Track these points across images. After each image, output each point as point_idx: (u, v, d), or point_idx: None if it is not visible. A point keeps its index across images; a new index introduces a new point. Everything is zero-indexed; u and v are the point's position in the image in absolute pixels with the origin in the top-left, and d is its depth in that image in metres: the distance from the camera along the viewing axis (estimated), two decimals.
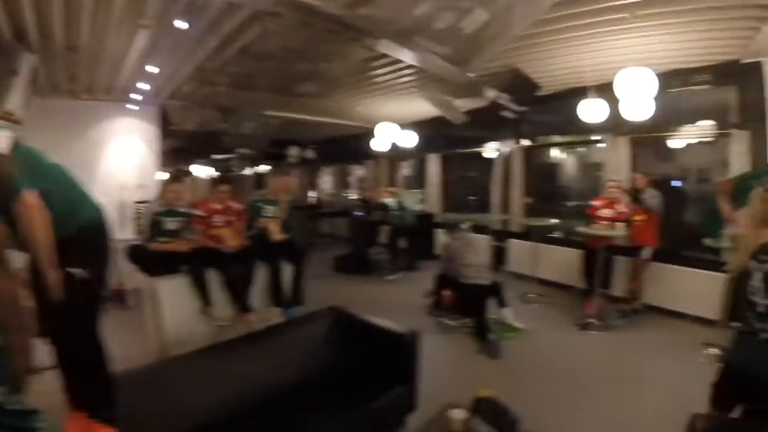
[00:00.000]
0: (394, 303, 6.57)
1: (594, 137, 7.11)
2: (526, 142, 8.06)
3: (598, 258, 5.47)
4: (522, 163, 8.01)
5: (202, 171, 13.73)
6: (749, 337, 2.19)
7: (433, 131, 9.53)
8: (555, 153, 9.27)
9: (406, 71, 6.25)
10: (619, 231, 5.50)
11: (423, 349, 3.87)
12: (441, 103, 7.08)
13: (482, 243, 5.90)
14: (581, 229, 5.73)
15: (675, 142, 6.89)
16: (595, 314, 5.57)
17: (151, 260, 4.40)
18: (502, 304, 5.45)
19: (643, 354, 4.85)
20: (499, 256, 8.16)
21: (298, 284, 5.15)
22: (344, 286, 7.65)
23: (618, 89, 4.48)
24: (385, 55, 5.38)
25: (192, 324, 4.25)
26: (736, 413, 2.30)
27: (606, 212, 5.73)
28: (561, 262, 7.09)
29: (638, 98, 4.62)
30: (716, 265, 5.39)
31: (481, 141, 8.66)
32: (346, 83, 7.01)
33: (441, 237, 8.51)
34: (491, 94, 6.20)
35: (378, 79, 6.80)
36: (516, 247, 7.94)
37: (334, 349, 3.41)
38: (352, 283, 7.81)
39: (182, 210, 4.69)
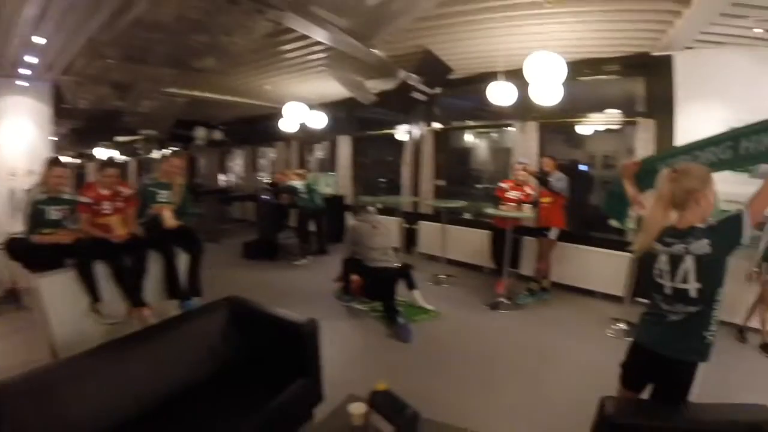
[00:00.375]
0: (304, 289, 6.31)
1: (504, 122, 7.15)
2: (437, 126, 8.01)
3: (506, 239, 5.47)
4: (433, 146, 7.94)
5: (105, 155, 12.45)
6: (656, 319, 2.16)
7: (344, 113, 9.31)
8: (468, 138, 9.40)
9: (315, 48, 5.96)
10: (527, 212, 5.55)
11: (333, 336, 3.71)
12: (351, 83, 6.81)
13: (390, 225, 5.73)
14: (489, 210, 5.73)
15: (583, 129, 7.12)
16: (504, 294, 5.63)
17: (32, 254, 3.87)
18: (411, 286, 5.34)
19: (553, 332, 4.94)
20: (409, 238, 8.10)
21: (195, 274, 4.74)
22: (252, 273, 7.25)
23: (528, 73, 4.43)
24: (290, 30, 5.05)
25: (81, 323, 3.76)
26: (645, 393, 2.29)
27: (514, 194, 5.76)
28: (471, 243, 7.12)
29: (547, 83, 4.60)
30: (621, 245, 5.66)
31: (393, 123, 8.50)
32: (251, 59, 6.57)
33: (349, 220, 8.39)
34: (402, 75, 6.01)
35: (286, 56, 6.45)
36: (426, 228, 7.88)
37: (232, 342, 3.13)
38: (260, 270, 7.42)
39: (66, 197, 4.13)
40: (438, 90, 7.07)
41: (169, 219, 4.49)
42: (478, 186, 8.80)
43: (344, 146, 9.38)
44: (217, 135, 12.30)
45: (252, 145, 12.61)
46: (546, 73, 4.37)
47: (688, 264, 1.99)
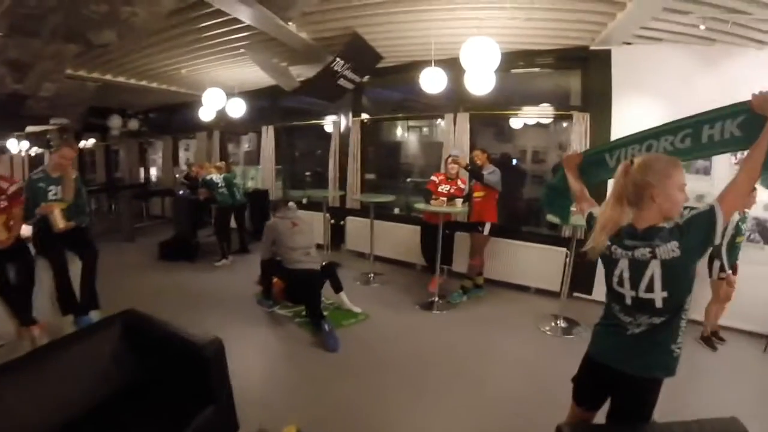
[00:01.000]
0: (222, 293, 5.73)
1: (436, 113, 6.82)
2: (365, 117, 7.55)
3: (437, 235, 5.15)
4: (360, 138, 7.46)
5: (16, 146, 10.98)
6: (614, 330, 1.87)
7: (268, 101, 8.69)
8: (400, 131, 9.10)
9: (233, 28, 5.35)
10: (458, 207, 5.22)
11: (252, 347, 3.61)
12: (272, 67, 6.30)
13: (311, 222, 5.22)
14: (419, 205, 5.35)
15: (515, 123, 6.88)
16: (437, 293, 5.31)
17: None
18: (337, 288, 4.94)
19: (489, 331, 4.69)
20: (337, 235, 7.64)
21: (90, 284, 4.13)
22: (167, 276, 6.55)
23: (464, 59, 4.07)
24: (202, 4, 4.47)
25: None
26: (600, 412, 2.04)
27: (445, 188, 5.44)
28: (401, 240, 6.79)
29: (482, 70, 4.27)
30: (555, 240, 5.59)
31: (321, 114, 7.98)
32: (162, 39, 5.89)
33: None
34: (329, 60, 5.53)
35: (201, 37, 5.78)
36: (354, 224, 7.43)
37: (129, 365, 2.60)
38: (176, 273, 6.71)
39: None
40: (366, 78, 6.66)
41: (59, 220, 3.83)
42: (408, 180, 8.47)
43: (268, 137, 8.73)
44: (134, 124, 11.29)
45: (173, 136, 11.61)
46: (482, 59, 4.03)
47: (654, 270, 1.68)
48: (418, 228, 6.14)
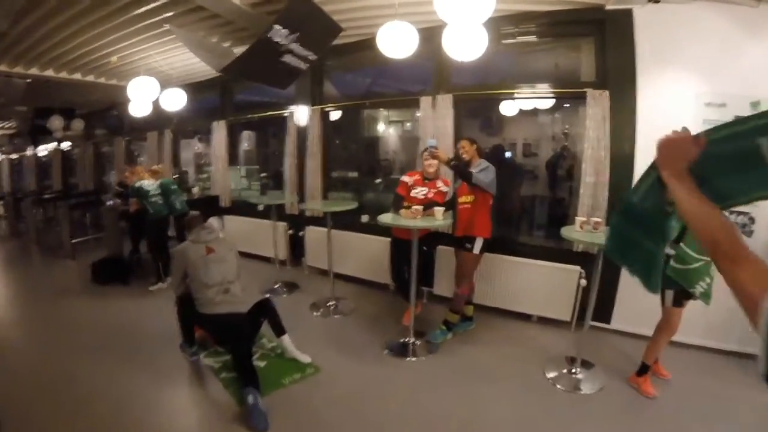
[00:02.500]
0: (146, 330, 4.38)
1: (411, 97, 5.31)
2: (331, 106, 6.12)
3: (410, 253, 3.81)
4: (322, 132, 6.01)
5: None
6: None
7: (220, 94, 7.29)
8: (377, 124, 8.00)
9: None
10: (439, 219, 3.80)
11: (163, 416, 2.81)
12: (201, 45, 4.93)
13: (234, 244, 3.73)
14: (384, 218, 3.89)
15: (509, 107, 5.50)
16: (412, 328, 3.98)
17: None
18: (278, 331, 3.60)
19: (479, 386, 3.41)
20: (296, 248, 6.27)
21: None
22: (89, 306, 5.17)
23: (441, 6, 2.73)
24: None
25: None
26: None
27: (420, 191, 4.09)
28: (371, 255, 5.43)
29: (465, 22, 2.94)
30: (564, 256, 4.36)
31: (284, 105, 6.50)
32: (67, 15, 4.55)
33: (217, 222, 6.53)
34: (270, 34, 4.14)
35: (114, 10, 4.44)
36: (315, 236, 5.92)
37: None
38: (102, 300, 5.31)
39: None
40: (329, 61, 5.31)
41: None
42: (378, 182, 7.12)
43: (219, 135, 7.29)
44: (78, 125, 9.80)
45: (125, 137, 10.09)
46: (467, 4, 2.68)
47: None
48: (389, 240, 4.85)
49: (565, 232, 3.47)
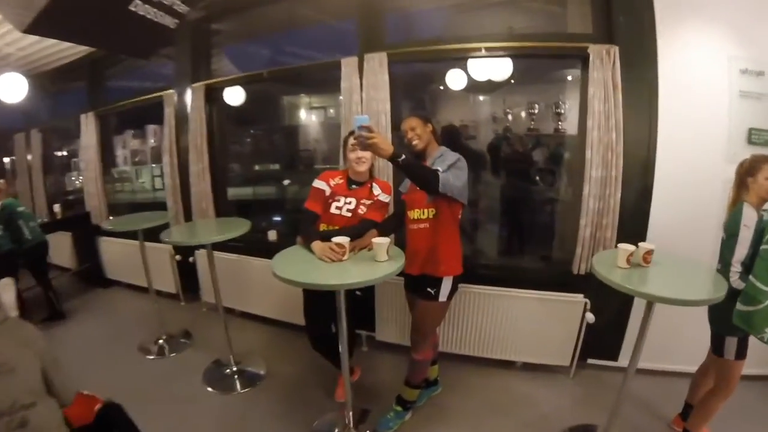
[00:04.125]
0: None
1: (326, 61, 3.49)
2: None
3: (332, 301, 2.21)
4: (207, 116, 4.08)
5: None
6: None
7: (88, 80, 5.32)
8: (298, 109, 6.27)
9: None
10: (382, 257, 2.04)
11: None
12: None
13: (35, 335, 1.56)
14: (279, 265, 2.05)
15: (457, 78, 3.79)
16: (352, 402, 2.43)
17: None
18: None
19: None
20: (187, 279, 4.51)
21: None
22: None
23: None
24: None
25: None
26: None
27: (345, 203, 2.44)
28: (286, 287, 3.61)
29: None
30: (559, 281, 2.99)
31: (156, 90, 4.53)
32: None
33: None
34: None
35: None
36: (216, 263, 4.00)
37: None
38: None
39: None
40: (197, 5, 3.54)
41: None
42: (286, 183, 5.43)
43: (89, 131, 5.22)
44: None
45: None
46: None
47: None
48: None
49: (600, 268, 2.03)
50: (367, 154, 2.36)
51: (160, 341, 3.73)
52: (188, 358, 3.50)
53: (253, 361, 3.37)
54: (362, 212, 2.40)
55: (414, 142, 2.27)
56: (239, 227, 2.95)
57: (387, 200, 2.46)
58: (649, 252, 2.03)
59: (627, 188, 2.74)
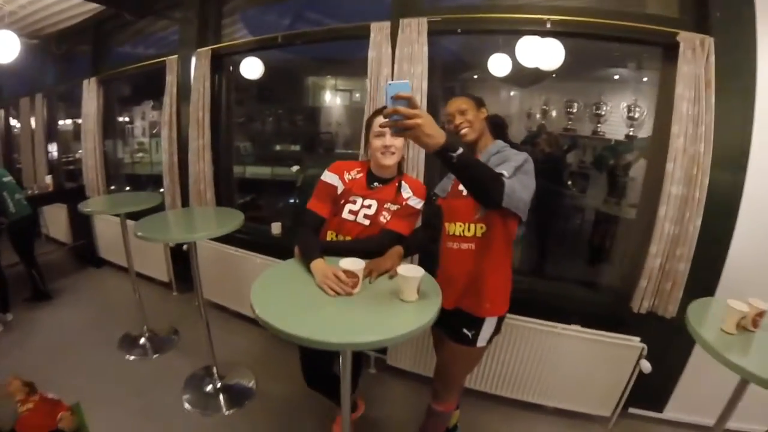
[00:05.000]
0: None
1: (354, 27, 2.80)
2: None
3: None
4: (216, 88, 3.55)
5: None
6: None
7: (90, 44, 4.76)
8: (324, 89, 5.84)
9: None
10: (412, 296, 1.33)
11: None
12: None
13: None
14: (261, 306, 1.32)
15: (520, 52, 3.05)
16: None
17: None
18: None
19: None
20: (183, 270, 3.92)
21: None
22: None
23: None
24: None
25: None
26: None
27: (363, 207, 1.77)
28: None
29: None
30: (609, 319, 2.40)
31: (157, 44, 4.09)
32: None
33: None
34: None
35: None
36: (207, 254, 3.42)
37: None
38: None
39: None
40: None
41: None
42: (295, 169, 4.94)
43: (90, 98, 4.64)
44: None
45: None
46: None
47: None
48: None
49: (702, 329, 1.49)
50: (399, 142, 1.69)
51: (143, 339, 3.22)
52: (171, 362, 3.00)
53: (242, 373, 2.85)
54: (384, 220, 1.73)
55: (464, 131, 1.63)
56: (217, 226, 2.35)
57: (419, 206, 1.79)
58: (761, 314, 1.47)
59: (706, 214, 2.10)
